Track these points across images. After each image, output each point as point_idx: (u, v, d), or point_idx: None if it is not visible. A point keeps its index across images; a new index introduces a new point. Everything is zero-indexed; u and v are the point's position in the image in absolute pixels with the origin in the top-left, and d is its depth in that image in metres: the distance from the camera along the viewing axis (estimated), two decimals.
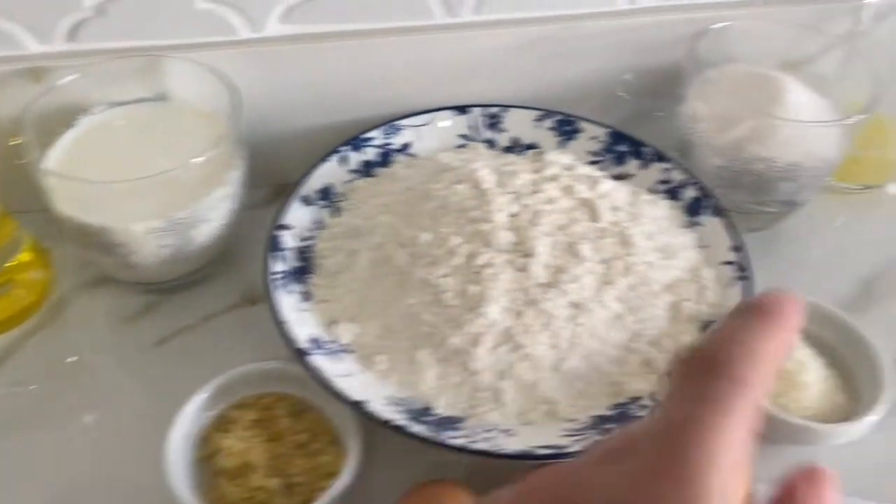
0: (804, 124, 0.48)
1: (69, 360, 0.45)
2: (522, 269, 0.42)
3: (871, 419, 0.40)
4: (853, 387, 0.43)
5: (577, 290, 0.42)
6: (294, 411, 0.41)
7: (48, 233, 0.49)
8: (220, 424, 0.40)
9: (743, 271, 0.45)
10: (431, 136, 0.53)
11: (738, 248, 0.46)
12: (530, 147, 0.53)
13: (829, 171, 0.51)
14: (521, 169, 0.45)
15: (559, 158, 0.47)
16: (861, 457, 0.42)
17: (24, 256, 0.47)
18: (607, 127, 0.53)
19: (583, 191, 0.45)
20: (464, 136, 0.54)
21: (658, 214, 0.47)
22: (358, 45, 0.50)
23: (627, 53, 0.55)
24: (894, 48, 0.51)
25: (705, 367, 0.20)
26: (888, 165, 0.58)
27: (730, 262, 0.46)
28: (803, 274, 0.53)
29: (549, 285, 0.41)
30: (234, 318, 0.48)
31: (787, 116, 0.48)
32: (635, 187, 0.50)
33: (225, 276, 0.50)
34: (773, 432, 0.41)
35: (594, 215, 0.44)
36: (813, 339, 0.45)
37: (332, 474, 0.38)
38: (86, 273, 0.50)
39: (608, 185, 0.46)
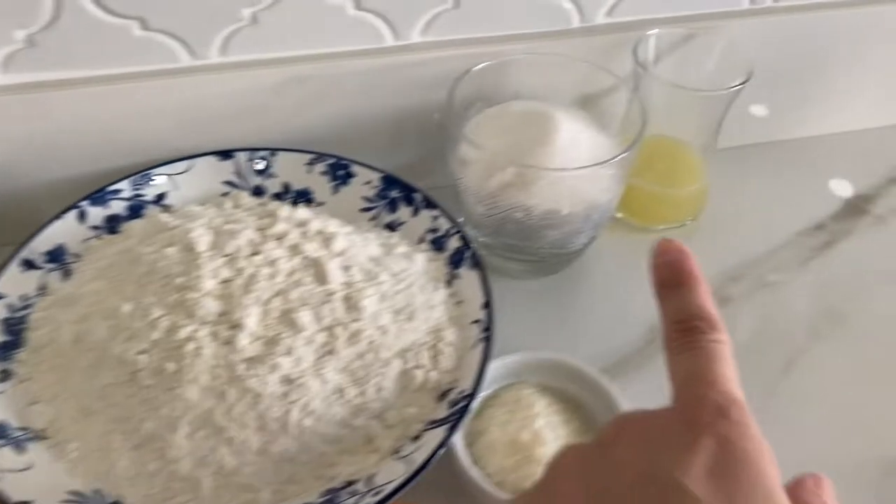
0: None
1: None
2: (228, 342, 0.38)
3: None
4: None
5: (291, 363, 0.38)
6: None
7: None
8: None
9: (486, 331, 0.41)
10: (191, 184, 0.49)
11: (486, 305, 0.42)
12: (302, 194, 0.50)
13: (603, 214, 0.47)
14: (246, 227, 0.42)
15: (292, 214, 0.44)
16: None
17: None
18: (380, 171, 0.50)
19: (312, 250, 0.41)
20: (229, 184, 0.50)
21: (412, 269, 0.44)
22: (95, 93, 0.46)
23: (408, 92, 0.52)
24: (674, 84, 0.48)
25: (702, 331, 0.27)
26: (699, 199, 0.55)
27: (477, 321, 0.42)
28: (595, 317, 0.50)
29: (258, 360, 0.38)
30: None
31: (554, 158, 0.45)
32: (396, 239, 0.46)
33: None
34: None
35: (321, 277, 0.41)
36: (565, 400, 0.42)
37: None
38: None
39: (344, 242, 0.43)
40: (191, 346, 0.37)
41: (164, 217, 0.45)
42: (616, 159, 0.44)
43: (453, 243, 0.46)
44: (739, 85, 0.48)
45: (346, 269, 0.41)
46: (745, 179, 0.58)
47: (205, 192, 0.49)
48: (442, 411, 0.39)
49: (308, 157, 0.50)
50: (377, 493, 0.35)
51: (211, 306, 0.38)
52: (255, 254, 0.40)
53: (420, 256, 0.45)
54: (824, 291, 0.52)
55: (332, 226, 0.44)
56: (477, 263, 0.44)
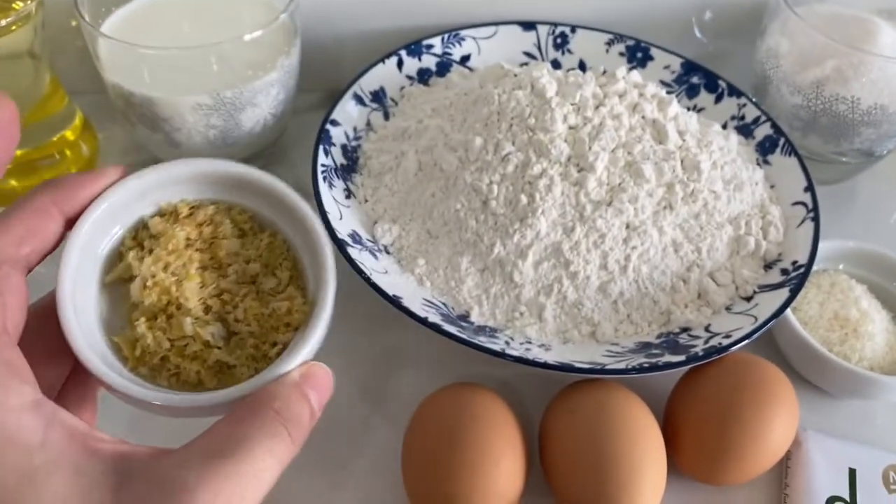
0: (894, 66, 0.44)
1: None
2: (577, 183, 0.39)
3: None
4: None
5: (634, 211, 0.39)
6: (245, 230, 0.28)
7: (99, 115, 0.49)
8: (140, 236, 0.27)
9: (812, 212, 0.42)
10: (493, 50, 0.51)
11: (809, 189, 0.43)
12: None
13: None
14: (588, 82, 0.43)
15: (630, 76, 0.44)
16: None
17: (73, 131, 0.47)
18: (681, 56, 0.50)
19: (651, 111, 0.42)
20: (528, 55, 0.51)
21: (728, 147, 0.44)
22: None
23: None
24: None
25: None
26: None
27: (800, 203, 0.43)
28: (875, 231, 0.49)
29: (605, 203, 0.39)
30: None
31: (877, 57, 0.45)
32: (706, 119, 0.47)
33: (273, 173, 0.48)
34: (830, 381, 0.39)
35: (660, 137, 0.42)
36: (881, 293, 0.42)
37: (289, 326, 0.26)
38: (131, 156, 0.49)
39: (677, 108, 0.43)
40: (543, 182, 0.39)
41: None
42: None
43: (762, 131, 0.46)
44: None
45: (681, 133, 0.42)
46: None
47: (504, 60, 0.50)
48: (773, 278, 0.40)
49: (607, 36, 0.51)
50: (727, 337, 0.37)
51: (562, 148, 0.40)
52: (599, 106, 0.42)
53: (734, 137, 0.46)
54: None
55: (665, 93, 0.44)
56: (793, 151, 0.45)
